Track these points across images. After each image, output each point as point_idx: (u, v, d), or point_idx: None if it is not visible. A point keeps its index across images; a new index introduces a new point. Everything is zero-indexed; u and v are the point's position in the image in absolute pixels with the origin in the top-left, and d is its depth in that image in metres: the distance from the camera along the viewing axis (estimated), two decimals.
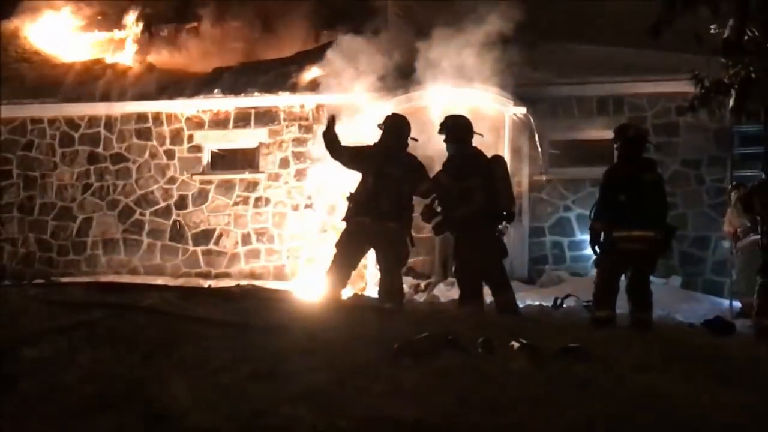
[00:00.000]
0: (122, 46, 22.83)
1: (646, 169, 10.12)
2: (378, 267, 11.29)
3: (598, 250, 10.09)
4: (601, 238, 10.03)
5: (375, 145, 10.62)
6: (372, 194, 10.07)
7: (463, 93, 16.89)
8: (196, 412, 3.68)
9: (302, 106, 19.22)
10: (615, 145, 10.38)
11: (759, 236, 10.98)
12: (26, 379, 4.09)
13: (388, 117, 10.88)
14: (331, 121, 10.59)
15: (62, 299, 6.88)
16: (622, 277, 10.03)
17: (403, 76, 17.43)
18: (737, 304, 14.20)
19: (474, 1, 18.02)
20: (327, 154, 10.72)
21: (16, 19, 23.27)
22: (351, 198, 10.36)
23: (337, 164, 10.84)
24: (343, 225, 10.45)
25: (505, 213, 10.46)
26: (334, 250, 10.37)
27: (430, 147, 11.32)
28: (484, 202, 10.16)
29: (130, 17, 23.25)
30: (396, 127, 10.49)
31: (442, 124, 10.60)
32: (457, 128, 10.53)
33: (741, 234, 14.11)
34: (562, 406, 4.09)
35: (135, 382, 4.14)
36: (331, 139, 10.49)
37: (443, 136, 10.55)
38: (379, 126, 10.58)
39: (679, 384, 4.88)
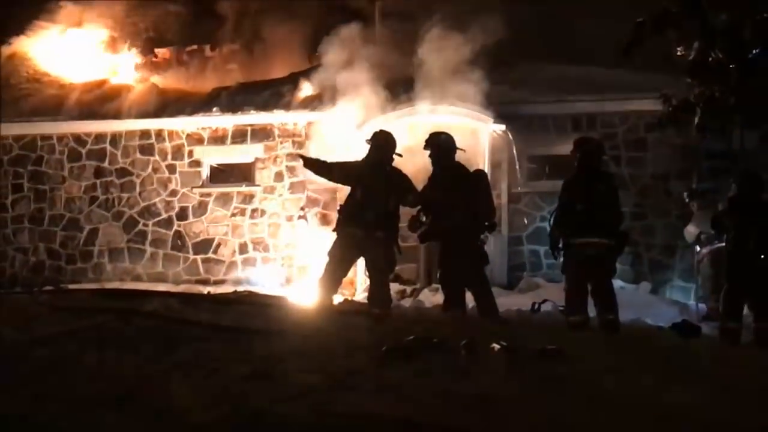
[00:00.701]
0: (127, 68, 22.83)
1: (602, 181, 10.16)
2: (367, 274, 11.30)
3: (557, 256, 10.16)
4: (560, 245, 10.09)
5: (363, 159, 10.64)
6: (361, 206, 10.07)
7: (447, 111, 16.93)
8: (197, 411, 3.68)
9: (295, 124, 19.25)
10: (574, 157, 10.39)
11: (722, 244, 11.01)
12: (37, 379, 4.08)
13: (375, 133, 10.90)
14: (302, 157, 10.83)
15: (70, 305, 6.87)
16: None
17: (390, 94, 17.45)
18: (703, 307, 14.23)
19: (458, 25, 18.11)
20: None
21: (26, 41, 23.25)
22: (341, 210, 10.38)
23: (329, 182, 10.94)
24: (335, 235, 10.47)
25: (486, 224, 10.47)
26: (326, 259, 10.37)
27: (417, 161, 11.33)
28: (466, 213, 10.17)
29: (134, 40, 23.27)
30: (382, 142, 10.51)
31: (427, 141, 10.61)
32: (441, 144, 10.54)
33: (705, 240, 14.16)
34: (539, 404, 4.10)
35: (139, 382, 4.14)
36: (313, 166, 10.62)
37: (428, 152, 10.58)
38: (367, 141, 10.60)
39: (648, 383, 4.90)
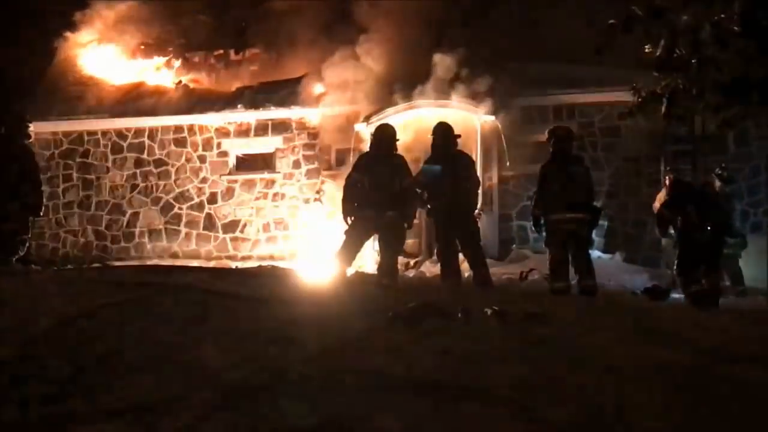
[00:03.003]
0: (161, 70, 22.81)
1: (574, 163, 10.23)
2: (377, 249, 11.34)
3: (540, 231, 10.31)
4: (542, 222, 10.20)
5: (369, 150, 10.66)
6: (369, 191, 10.11)
7: (445, 104, 16.92)
8: (227, 371, 3.69)
9: (311, 118, 19.27)
10: (549, 144, 10.50)
11: None
12: (86, 346, 4.09)
13: (377, 127, 10.96)
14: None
15: (115, 279, 6.88)
16: None
17: (394, 90, 17.44)
18: (670, 273, 14.23)
19: (453, 29, 18.09)
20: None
21: (73, 49, 23.23)
22: (350, 199, 10.35)
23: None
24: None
25: (471, 205, 10.55)
26: (343, 237, 10.41)
27: (419, 148, 11.38)
28: (457, 194, 10.24)
29: (168, 46, 23.25)
30: (383, 134, 10.53)
31: (433, 129, 10.70)
32: (442, 133, 10.60)
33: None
34: (525, 360, 4.11)
35: (175, 347, 4.15)
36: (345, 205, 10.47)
37: (432, 139, 10.65)
38: (371, 134, 10.66)
39: (623, 342, 4.90)
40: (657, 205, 14.31)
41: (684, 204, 10.65)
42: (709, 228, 10.38)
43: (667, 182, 11.68)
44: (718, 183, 14.15)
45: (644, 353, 4.53)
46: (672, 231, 11.18)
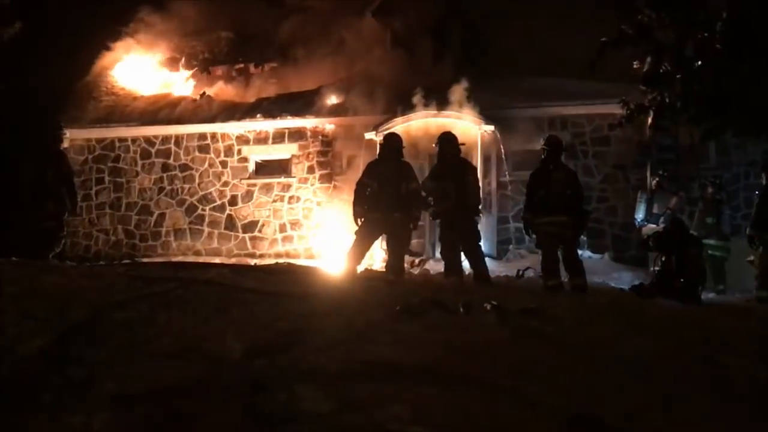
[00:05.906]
0: (186, 82, 22.85)
1: (559, 170, 10.27)
2: (385, 249, 11.37)
3: (530, 234, 10.40)
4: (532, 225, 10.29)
5: (378, 157, 10.70)
6: (378, 195, 10.15)
7: (447, 115, 16.93)
8: (247, 360, 3.69)
9: (324, 127, 19.29)
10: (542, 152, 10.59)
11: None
12: (117, 335, 4.09)
13: (385, 136, 11.00)
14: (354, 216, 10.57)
15: (143, 275, 6.88)
16: None
17: (401, 101, 17.46)
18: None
19: (455, 45, 18.09)
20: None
21: (105, 62, 23.31)
22: (360, 202, 10.40)
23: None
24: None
25: (473, 208, 10.57)
26: (354, 237, 10.44)
27: (423, 155, 11.38)
28: (459, 198, 10.26)
29: (192, 60, 23.30)
30: (390, 142, 10.57)
31: (437, 138, 10.74)
32: (447, 142, 10.62)
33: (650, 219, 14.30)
34: (521, 351, 4.10)
35: (199, 337, 4.15)
36: (357, 206, 10.52)
37: (437, 147, 10.69)
38: (379, 142, 10.71)
39: (610, 334, 4.89)
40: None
41: (671, 248, 10.61)
42: (682, 280, 10.34)
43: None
44: (710, 189, 14.16)
45: (631, 344, 4.53)
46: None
